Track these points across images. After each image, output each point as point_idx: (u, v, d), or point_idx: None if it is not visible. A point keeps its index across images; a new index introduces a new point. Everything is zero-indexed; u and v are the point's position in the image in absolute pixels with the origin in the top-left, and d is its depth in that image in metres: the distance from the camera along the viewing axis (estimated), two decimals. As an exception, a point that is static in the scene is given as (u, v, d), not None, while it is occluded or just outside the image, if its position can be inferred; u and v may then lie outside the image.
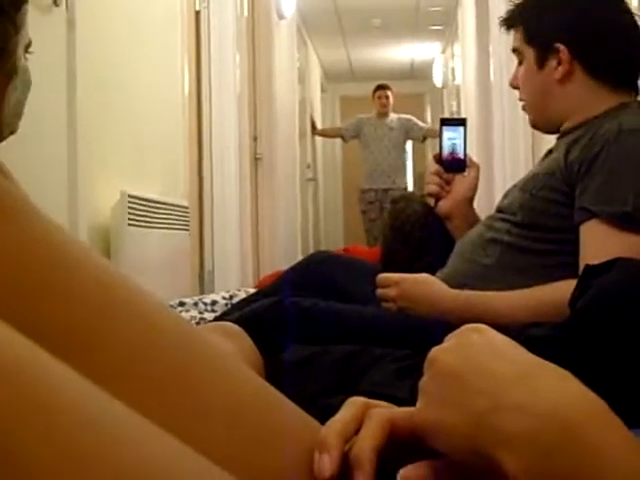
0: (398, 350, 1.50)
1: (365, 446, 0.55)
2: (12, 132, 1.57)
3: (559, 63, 1.72)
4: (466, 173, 1.92)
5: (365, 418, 0.58)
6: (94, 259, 0.57)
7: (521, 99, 1.84)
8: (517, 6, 1.83)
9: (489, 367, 0.53)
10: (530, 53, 1.77)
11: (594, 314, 1.23)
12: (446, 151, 1.90)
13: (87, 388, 0.40)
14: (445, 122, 1.93)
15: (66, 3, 2.44)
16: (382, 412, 0.58)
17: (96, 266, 0.56)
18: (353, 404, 0.60)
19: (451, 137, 1.91)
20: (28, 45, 1.57)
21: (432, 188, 1.92)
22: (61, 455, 0.35)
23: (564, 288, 1.40)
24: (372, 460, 0.55)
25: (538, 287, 1.55)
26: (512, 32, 1.84)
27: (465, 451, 0.52)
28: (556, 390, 0.50)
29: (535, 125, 1.86)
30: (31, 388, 0.36)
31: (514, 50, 1.83)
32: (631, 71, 1.74)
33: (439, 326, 1.53)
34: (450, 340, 0.59)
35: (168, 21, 3.59)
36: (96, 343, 0.53)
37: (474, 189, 1.93)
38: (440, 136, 1.92)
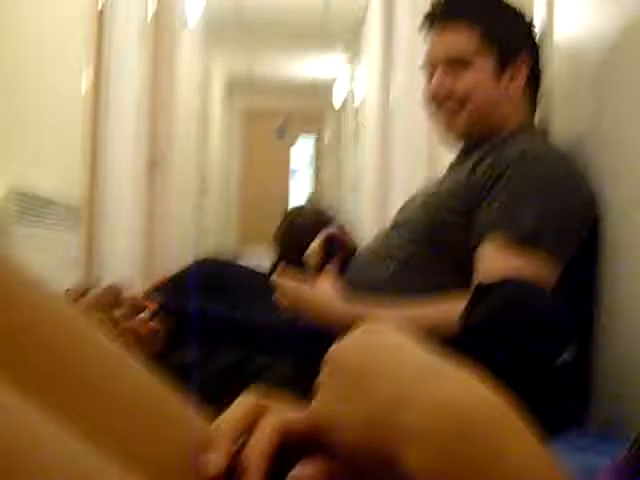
0: (283, 359, 1.49)
1: (256, 452, 0.54)
2: None
3: (515, 73, 1.73)
4: None
5: (258, 421, 0.56)
6: None
7: (444, 107, 1.77)
8: (466, 2, 1.78)
9: (390, 363, 0.53)
10: (485, 58, 1.72)
11: (481, 333, 1.25)
12: None
13: None
14: None
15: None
16: (274, 418, 0.56)
17: None
18: (244, 402, 0.59)
19: None
20: None
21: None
22: None
23: (453, 308, 1.42)
24: (262, 467, 0.53)
25: (428, 305, 1.55)
26: (431, 36, 1.78)
27: (362, 448, 0.51)
28: (458, 389, 0.49)
29: (457, 135, 1.79)
30: None
31: (450, 58, 1.73)
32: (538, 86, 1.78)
33: (329, 335, 1.53)
34: (350, 337, 0.58)
35: (70, 19, 3.52)
36: None
37: None
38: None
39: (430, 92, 1.79)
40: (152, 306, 1.43)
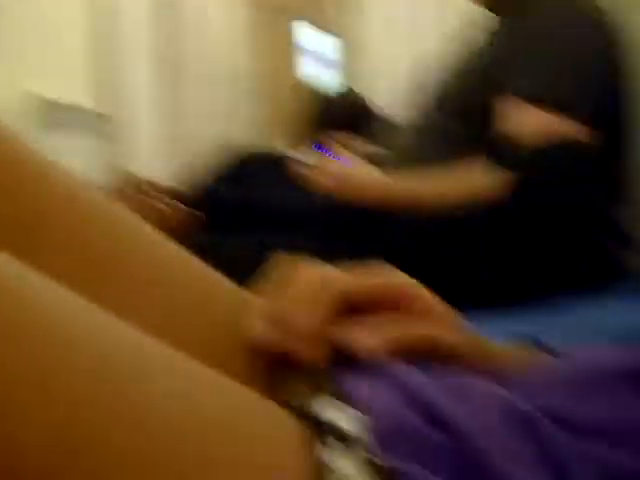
0: (305, 240, 1.49)
1: (307, 318, 0.50)
2: None
3: None
4: None
5: (307, 284, 0.52)
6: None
7: None
8: None
9: None
10: None
11: (542, 195, 1.26)
12: None
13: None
14: None
15: None
16: (328, 279, 0.53)
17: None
18: (288, 266, 0.55)
19: None
20: None
21: None
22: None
23: (480, 168, 1.44)
24: (316, 334, 0.50)
25: (456, 170, 1.52)
26: None
27: None
28: None
29: None
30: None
31: None
32: None
33: (356, 214, 1.53)
34: None
35: None
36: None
37: None
38: None
39: None
40: (170, 192, 1.43)
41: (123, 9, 4.06)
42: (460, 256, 1.36)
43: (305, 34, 7.42)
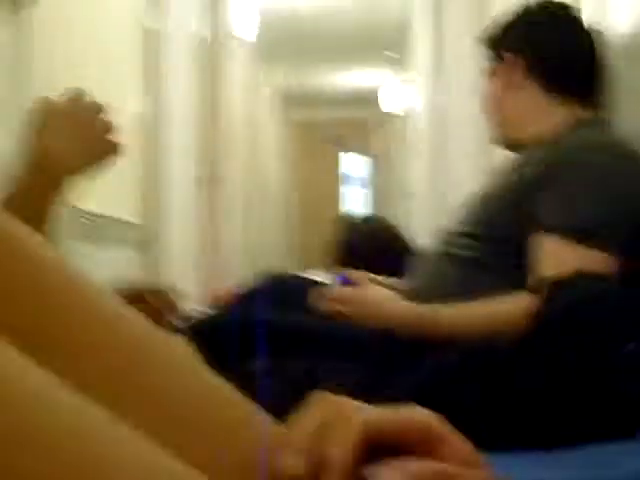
0: (349, 365, 1.48)
1: (339, 453, 0.50)
2: None
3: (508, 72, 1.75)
4: None
5: (339, 420, 0.53)
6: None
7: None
8: None
9: None
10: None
11: (562, 327, 1.24)
12: None
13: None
14: None
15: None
16: (358, 416, 0.53)
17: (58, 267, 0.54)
18: (323, 402, 0.55)
19: None
20: None
21: None
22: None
23: (516, 301, 1.44)
24: (346, 470, 0.50)
25: (490, 301, 1.52)
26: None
27: None
28: None
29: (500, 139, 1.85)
30: None
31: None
32: (584, 83, 1.74)
33: (394, 340, 1.52)
34: None
35: (123, 37, 3.57)
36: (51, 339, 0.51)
37: None
38: None
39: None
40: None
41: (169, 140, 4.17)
42: (493, 390, 1.32)
43: (352, 164, 7.55)
